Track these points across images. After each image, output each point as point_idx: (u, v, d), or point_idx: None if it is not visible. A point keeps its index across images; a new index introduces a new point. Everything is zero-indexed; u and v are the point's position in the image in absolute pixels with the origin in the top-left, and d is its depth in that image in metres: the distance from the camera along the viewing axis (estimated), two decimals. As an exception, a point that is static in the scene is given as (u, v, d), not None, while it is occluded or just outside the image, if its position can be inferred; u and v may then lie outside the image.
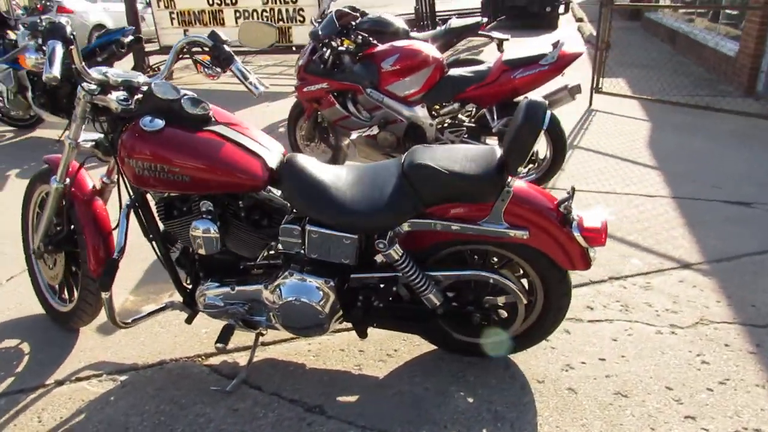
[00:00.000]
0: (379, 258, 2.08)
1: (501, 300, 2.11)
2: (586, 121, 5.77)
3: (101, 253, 2.22)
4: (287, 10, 7.55)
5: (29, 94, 5.15)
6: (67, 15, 10.84)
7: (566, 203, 1.96)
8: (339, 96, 3.96)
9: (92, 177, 2.38)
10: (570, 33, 11.44)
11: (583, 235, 1.94)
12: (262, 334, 2.37)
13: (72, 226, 2.35)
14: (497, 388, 2.16)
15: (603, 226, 1.96)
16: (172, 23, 8.12)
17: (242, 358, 2.35)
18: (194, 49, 2.28)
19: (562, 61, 3.61)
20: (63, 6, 10.95)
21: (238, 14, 7.75)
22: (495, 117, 3.78)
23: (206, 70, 2.21)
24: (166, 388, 2.18)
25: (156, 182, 1.97)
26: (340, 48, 3.88)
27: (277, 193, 2.11)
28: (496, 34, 5.39)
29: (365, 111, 3.95)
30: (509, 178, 1.91)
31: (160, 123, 1.95)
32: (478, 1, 12.84)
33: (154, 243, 2.19)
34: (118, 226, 2.14)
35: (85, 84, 2.02)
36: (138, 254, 3.11)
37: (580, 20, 13.28)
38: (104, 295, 2.07)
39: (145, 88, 2.07)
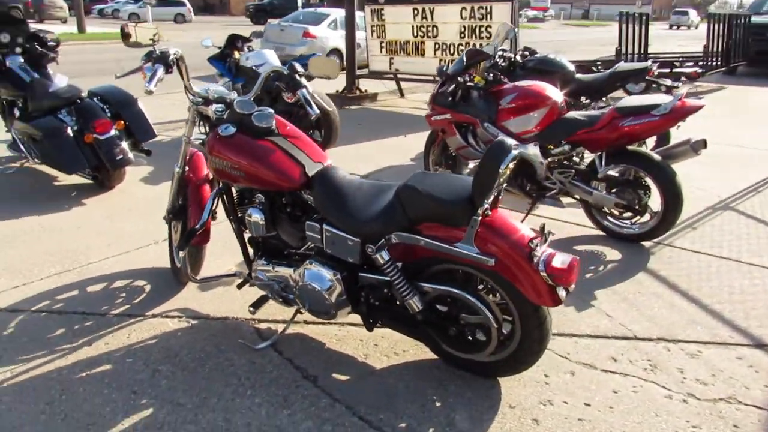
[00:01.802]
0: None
1: (475, 320, 2.31)
2: (765, 185, 5.22)
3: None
4: (481, 44, 8.00)
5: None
6: (311, 39, 12.65)
7: (534, 239, 2.11)
8: (461, 127, 4.30)
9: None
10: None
11: (548, 273, 2.08)
12: (300, 312, 2.85)
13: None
14: (467, 402, 2.35)
15: (569, 266, 2.07)
16: (381, 51, 9.11)
17: (293, 329, 2.85)
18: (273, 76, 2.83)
19: (676, 113, 3.50)
20: (308, 32, 12.81)
21: (437, 46, 8.43)
22: (603, 162, 3.79)
23: (287, 93, 2.77)
24: (216, 336, 2.79)
25: (224, 175, 2.59)
26: (469, 83, 4.22)
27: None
28: (664, 81, 5.23)
29: (482, 143, 4.23)
30: (480, 207, 2.13)
31: (231, 130, 2.56)
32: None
33: (232, 223, 2.82)
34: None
35: (191, 97, 2.73)
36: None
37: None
38: (180, 254, 2.74)
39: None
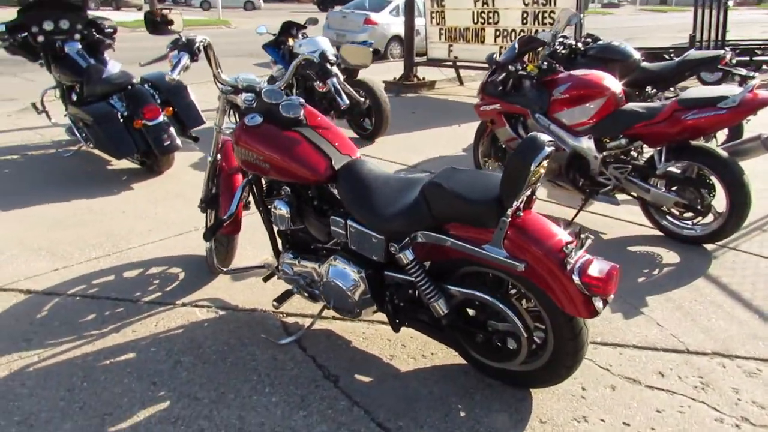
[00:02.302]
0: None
1: (504, 327, 2.15)
2: None
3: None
4: (543, 31, 7.67)
5: (293, 92, 6.35)
6: (372, 26, 12.55)
7: (569, 244, 1.93)
8: (511, 118, 4.09)
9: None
10: None
11: (583, 281, 1.89)
12: (328, 308, 2.76)
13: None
14: (494, 413, 2.20)
15: (608, 275, 1.88)
16: (440, 38, 8.89)
17: (320, 324, 2.77)
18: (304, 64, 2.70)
19: (745, 106, 3.18)
20: (370, 19, 12.69)
21: (497, 33, 8.14)
22: (663, 158, 3.51)
23: (318, 82, 2.67)
24: (242, 328, 2.74)
25: (250, 166, 2.51)
26: (521, 72, 4.00)
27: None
28: (738, 70, 4.84)
29: (533, 135, 4.00)
30: (509, 208, 1.96)
31: (258, 120, 2.47)
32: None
33: (261, 214, 2.75)
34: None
35: (220, 86, 2.66)
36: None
37: None
38: (206, 244, 2.69)
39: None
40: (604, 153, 3.73)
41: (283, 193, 2.54)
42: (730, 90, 3.28)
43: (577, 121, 3.74)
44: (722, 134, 4.72)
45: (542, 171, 1.95)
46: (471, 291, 2.16)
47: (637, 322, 2.80)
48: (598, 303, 1.94)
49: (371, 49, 2.59)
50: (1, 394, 2.30)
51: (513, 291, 2.19)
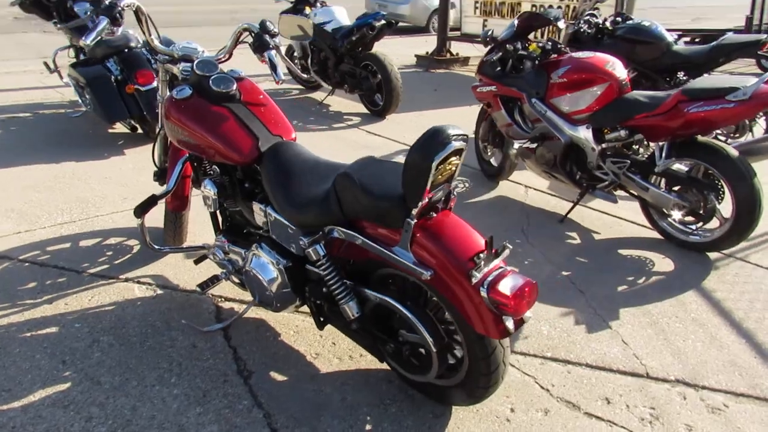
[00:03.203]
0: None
1: (413, 339, 1.94)
2: None
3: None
4: (558, 7, 7.21)
5: (308, 62, 6.15)
6: None
7: (480, 253, 1.69)
8: (508, 101, 3.79)
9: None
10: None
11: (490, 297, 1.66)
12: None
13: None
14: (404, 430, 2.01)
15: (519, 292, 1.64)
16: (474, 12, 8.47)
17: (256, 312, 2.62)
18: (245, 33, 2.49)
19: (758, 100, 2.79)
20: (411, -10, 12.28)
21: (534, 8, 7.66)
22: (663, 154, 3.15)
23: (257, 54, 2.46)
24: (173, 310, 2.61)
25: (180, 141, 2.35)
26: (521, 52, 3.68)
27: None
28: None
29: (529, 122, 3.70)
30: (414, 208, 1.73)
31: (187, 92, 2.29)
32: None
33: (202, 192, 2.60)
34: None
35: (159, 56, 2.49)
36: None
37: None
38: (137, 221, 2.56)
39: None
40: (603, 145, 3.39)
41: (212, 172, 2.38)
42: (744, 81, 2.88)
43: (575, 109, 3.41)
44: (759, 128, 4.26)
45: (453, 168, 1.71)
46: (382, 296, 1.94)
47: (599, 337, 2.53)
48: (509, 323, 1.70)
49: (311, 21, 2.36)
50: None
51: (434, 299, 1.97)
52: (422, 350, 1.95)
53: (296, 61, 6.48)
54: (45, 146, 4.68)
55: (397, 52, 8.89)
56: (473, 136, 4.31)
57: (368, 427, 2.01)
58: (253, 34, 2.38)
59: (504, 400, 2.14)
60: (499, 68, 3.75)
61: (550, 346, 2.45)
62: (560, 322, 2.62)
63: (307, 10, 6.20)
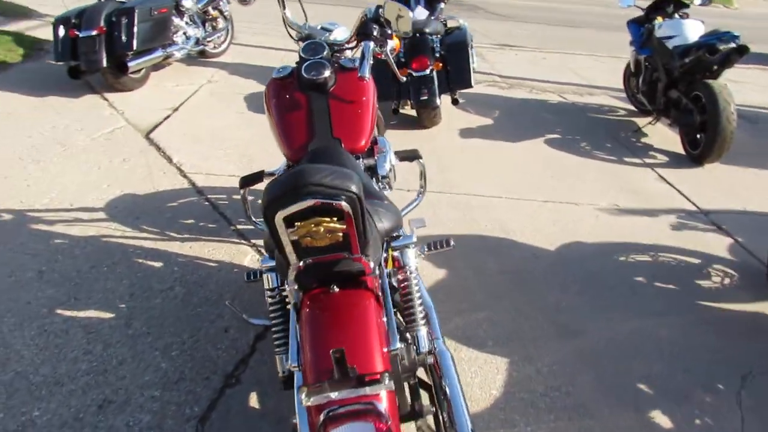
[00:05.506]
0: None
1: None
2: None
3: None
4: None
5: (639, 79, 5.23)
6: None
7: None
8: None
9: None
10: None
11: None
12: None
13: None
14: None
15: None
16: None
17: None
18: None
19: None
20: None
21: None
22: None
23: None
24: (248, 290, 2.56)
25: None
26: None
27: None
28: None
29: None
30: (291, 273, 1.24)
31: (284, 72, 2.13)
32: None
33: None
34: None
35: (290, 30, 2.36)
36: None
37: None
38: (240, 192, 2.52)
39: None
40: None
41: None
42: None
43: None
44: None
45: (325, 232, 1.17)
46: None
47: None
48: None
49: (410, 14, 1.87)
50: None
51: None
52: None
53: (630, 78, 5.58)
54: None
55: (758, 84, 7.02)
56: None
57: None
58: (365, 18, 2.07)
59: None
60: None
61: None
62: None
63: (658, 20, 5.21)
